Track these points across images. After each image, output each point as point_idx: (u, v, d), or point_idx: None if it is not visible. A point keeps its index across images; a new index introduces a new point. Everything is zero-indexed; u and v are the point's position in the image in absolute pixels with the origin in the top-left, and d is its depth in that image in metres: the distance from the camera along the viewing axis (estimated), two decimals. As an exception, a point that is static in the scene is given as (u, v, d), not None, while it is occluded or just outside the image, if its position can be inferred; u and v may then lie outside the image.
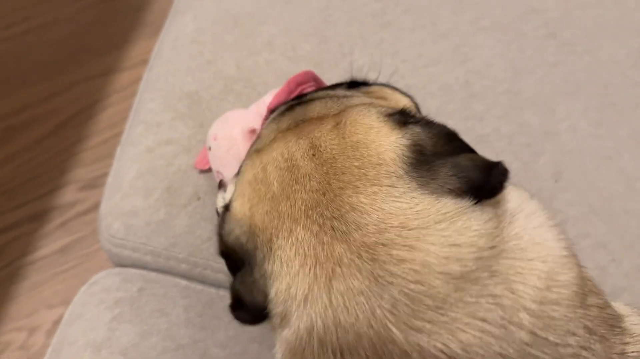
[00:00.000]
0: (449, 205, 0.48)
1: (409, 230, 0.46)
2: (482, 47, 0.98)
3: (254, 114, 0.77)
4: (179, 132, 0.84)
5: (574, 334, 0.47)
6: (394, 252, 0.46)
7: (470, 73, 0.95)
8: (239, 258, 0.53)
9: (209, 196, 0.81)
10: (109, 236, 0.82)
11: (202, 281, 0.80)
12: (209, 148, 0.78)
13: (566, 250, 0.52)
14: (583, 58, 0.96)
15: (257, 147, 0.59)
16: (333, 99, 0.61)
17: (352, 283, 0.46)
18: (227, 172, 0.76)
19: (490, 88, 0.94)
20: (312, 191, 0.50)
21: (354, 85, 0.72)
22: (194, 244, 0.80)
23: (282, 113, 0.62)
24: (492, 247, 0.47)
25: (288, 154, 0.54)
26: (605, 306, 0.53)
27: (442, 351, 0.44)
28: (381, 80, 0.93)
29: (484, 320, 0.45)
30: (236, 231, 0.53)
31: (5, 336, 1.45)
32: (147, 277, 0.80)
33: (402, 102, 0.71)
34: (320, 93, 0.66)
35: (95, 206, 1.59)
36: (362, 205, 0.48)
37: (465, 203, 0.48)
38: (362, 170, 0.50)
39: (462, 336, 0.44)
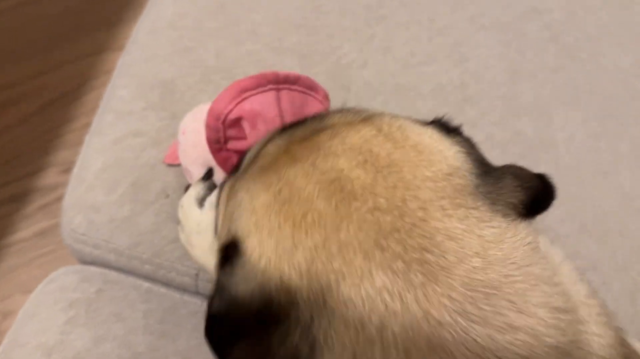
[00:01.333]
0: (526, 232, 0.39)
1: (516, 269, 0.36)
2: (481, 47, 0.93)
3: None
4: (150, 123, 0.79)
5: None
6: (504, 312, 0.34)
7: (466, 75, 0.90)
8: (254, 320, 0.37)
9: (177, 194, 0.76)
10: (71, 231, 0.77)
11: (166, 284, 0.75)
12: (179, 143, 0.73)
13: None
14: (585, 64, 0.91)
15: (262, 164, 0.43)
16: (350, 111, 0.47)
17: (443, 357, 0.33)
18: (195, 170, 0.71)
19: (486, 92, 0.88)
20: (381, 211, 0.36)
21: None
22: (159, 244, 0.75)
23: (285, 129, 0.48)
24: (573, 310, 0.37)
25: (325, 164, 0.39)
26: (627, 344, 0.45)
27: None
28: (372, 77, 0.88)
29: None
30: (258, 280, 0.37)
31: (-22, 319, 1.42)
32: (108, 277, 0.75)
33: None
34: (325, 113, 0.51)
35: (78, 191, 1.55)
36: (457, 231, 0.36)
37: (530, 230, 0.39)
38: (438, 183, 0.38)
39: None
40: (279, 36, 0.90)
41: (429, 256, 0.35)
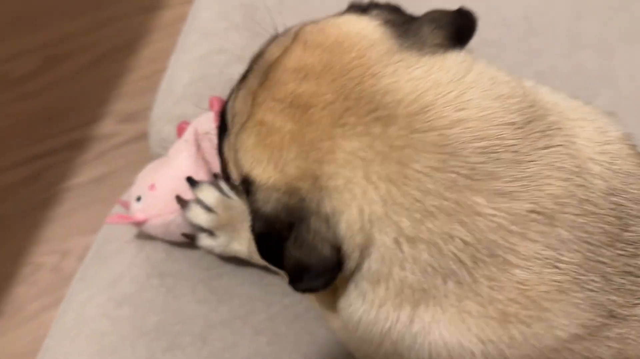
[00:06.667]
0: (457, 56, 0.48)
1: (446, 84, 0.46)
2: (545, -18, 0.96)
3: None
4: (232, 41, 0.84)
5: None
6: (445, 114, 0.45)
7: (530, 9, 0.92)
8: (286, 224, 0.48)
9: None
10: (160, 140, 0.82)
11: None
12: (138, 199, 0.74)
13: (602, 113, 0.54)
14: (649, 4, 0.93)
15: (239, 120, 0.53)
16: (278, 38, 0.56)
17: (422, 164, 0.44)
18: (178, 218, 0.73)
19: (550, 25, 0.91)
20: (331, 103, 0.47)
21: None
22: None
23: (242, 81, 0.57)
24: (532, 104, 0.48)
25: (280, 94, 0.49)
26: None
27: (533, 211, 0.44)
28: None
29: (562, 169, 0.45)
30: (274, 196, 0.48)
31: (39, 258, 1.47)
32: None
33: None
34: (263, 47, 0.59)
35: (133, 139, 1.60)
36: (391, 84, 0.46)
37: (463, 52, 0.49)
38: (363, 58, 0.48)
39: (549, 189, 0.44)
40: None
41: (377, 113, 0.45)
